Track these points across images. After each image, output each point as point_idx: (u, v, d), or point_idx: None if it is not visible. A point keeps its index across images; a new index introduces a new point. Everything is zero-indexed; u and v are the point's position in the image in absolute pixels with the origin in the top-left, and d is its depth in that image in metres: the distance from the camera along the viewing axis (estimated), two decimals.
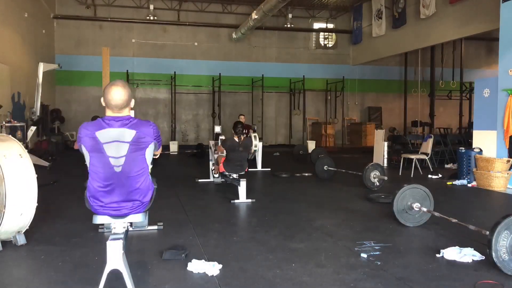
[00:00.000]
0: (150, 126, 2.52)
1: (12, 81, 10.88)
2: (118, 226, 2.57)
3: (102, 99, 2.51)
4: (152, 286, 2.87)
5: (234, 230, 4.45)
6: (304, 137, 17.17)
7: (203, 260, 3.24)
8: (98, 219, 2.54)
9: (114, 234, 2.55)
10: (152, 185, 2.63)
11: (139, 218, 2.58)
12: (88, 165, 2.49)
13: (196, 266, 3.13)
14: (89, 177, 2.49)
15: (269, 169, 9.49)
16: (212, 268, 3.09)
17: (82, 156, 2.54)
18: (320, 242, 3.94)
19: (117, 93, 2.44)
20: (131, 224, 2.67)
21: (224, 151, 6.49)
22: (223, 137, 7.25)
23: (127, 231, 2.64)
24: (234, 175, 6.27)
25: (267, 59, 17.67)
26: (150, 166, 2.67)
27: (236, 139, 6.32)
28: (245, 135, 6.70)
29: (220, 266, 3.16)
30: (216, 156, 7.08)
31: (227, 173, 6.32)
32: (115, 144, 2.42)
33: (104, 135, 2.41)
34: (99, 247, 3.53)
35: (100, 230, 4.11)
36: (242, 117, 10.85)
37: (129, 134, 2.43)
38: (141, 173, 2.51)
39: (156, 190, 2.69)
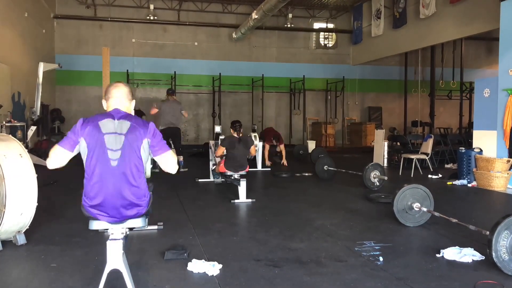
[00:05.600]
0: (146, 123, 2.57)
1: (12, 81, 10.88)
2: (116, 232, 2.50)
3: (103, 101, 2.61)
4: (152, 286, 2.87)
5: (234, 230, 4.45)
6: (304, 137, 17.16)
7: (203, 260, 3.24)
8: (95, 225, 2.48)
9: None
10: (147, 191, 2.57)
11: (138, 223, 2.54)
12: (84, 164, 2.47)
13: (196, 266, 3.13)
14: (85, 179, 2.47)
15: (269, 169, 9.49)
16: (212, 268, 3.09)
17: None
18: (320, 242, 3.94)
19: (118, 85, 2.62)
20: (130, 229, 2.61)
21: (224, 151, 6.37)
22: (222, 137, 7.19)
23: (126, 235, 2.59)
24: (236, 175, 6.17)
25: (267, 59, 17.66)
26: (148, 172, 2.64)
27: (235, 135, 6.27)
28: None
29: (220, 266, 3.16)
30: (217, 159, 7.01)
31: (228, 173, 6.25)
32: (114, 136, 2.45)
33: (106, 125, 2.46)
34: (99, 247, 3.53)
35: (100, 230, 4.11)
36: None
37: (125, 125, 2.48)
38: (135, 173, 2.48)
39: (151, 196, 2.65)
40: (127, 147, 2.45)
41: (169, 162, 2.56)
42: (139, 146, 2.48)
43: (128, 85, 2.67)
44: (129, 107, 2.62)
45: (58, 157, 2.46)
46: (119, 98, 2.57)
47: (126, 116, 2.53)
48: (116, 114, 2.51)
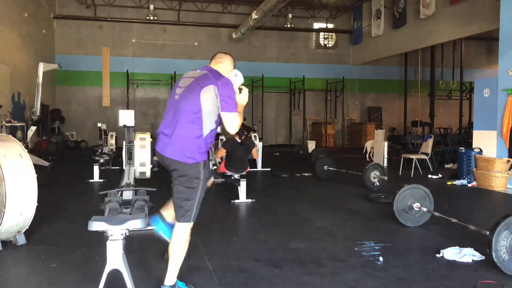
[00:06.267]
0: (222, 76, 2.64)
1: (12, 81, 10.88)
2: (116, 233, 2.49)
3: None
4: (152, 286, 2.86)
5: (234, 230, 4.45)
6: (304, 137, 17.16)
7: None
8: (94, 226, 2.45)
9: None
10: (201, 143, 2.58)
11: (137, 224, 2.53)
12: None
13: None
14: None
15: (269, 169, 9.49)
16: None
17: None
18: (320, 242, 3.94)
19: (227, 54, 2.82)
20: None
21: (224, 154, 6.41)
22: (223, 137, 7.26)
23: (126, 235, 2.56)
24: (236, 176, 6.24)
25: (267, 59, 17.66)
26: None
27: (237, 139, 6.27)
28: (245, 135, 6.60)
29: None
30: (217, 160, 7.05)
31: (228, 173, 6.29)
32: (187, 78, 2.67)
33: (189, 72, 2.74)
34: (99, 247, 3.52)
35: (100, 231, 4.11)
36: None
37: (201, 73, 2.65)
38: (190, 112, 2.53)
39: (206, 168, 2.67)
40: (190, 87, 2.59)
41: (233, 123, 2.57)
42: (201, 89, 2.54)
43: (231, 59, 2.81)
44: (221, 66, 2.73)
45: None
46: (216, 58, 2.76)
47: (209, 69, 2.67)
48: (203, 68, 2.70)
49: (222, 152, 6.35)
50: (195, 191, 2.60)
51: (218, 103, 2.55)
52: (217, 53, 2.83)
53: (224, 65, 2.74)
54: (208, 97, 2.54)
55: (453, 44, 15.33)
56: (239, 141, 6.25)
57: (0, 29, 10.34)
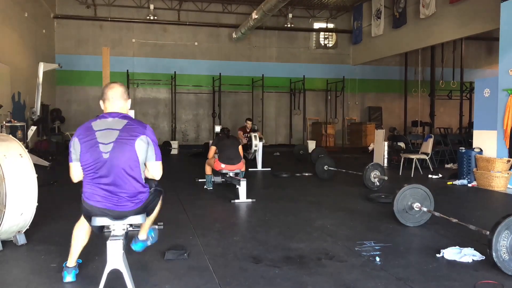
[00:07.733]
0: (144, 124, 2.65)
1: (12, 81, 10.87)
2: (118, 228, 2.57)
3: (100, 101, 2.69)
4: (152, 286, 2.86)
5: (234, 230, 4.45)
6: (304, 137, 17.16)
7: None
8: (97, 221, 2.53)
9: (114, 236, 2.56)
10: (147, 188, 2.64)
11: (138, 219, 2.60)
12: (80, 165, 2.55)
13: None
14: (84, 177, 2.57)
15: (269, 169, 9.49)
16: None
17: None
18: (320, 242, 3.94)
19: (113, 86, 2.69)
20: (131, 225, 2.69)
21: (215, 150, 6.67)
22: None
23: (127, 232, 2.64)
24: (231, 174, 6.36)
25: (267, 59, 17.66)
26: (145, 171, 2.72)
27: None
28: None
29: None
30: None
31: (223, 170, 6.41)
32: (107, 131, 2.52)
33: (98, 124, 2.55)
34: (99, 247, 3.53)
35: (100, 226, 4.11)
36: (249, 122, 10.92)
37: (120, 123, 2.56)
38: (129, 167, 2.52)
39: (156, 194, 2.77)
40: (120, 140, 2.51)
41: (160, 170, 2.75)
42: (135, 140, 2.53)
43: (123, 85, 2.74)
44: (123, 106, 2.70)
45: (75, 172, 2.61)
46: (114, 99, 2.65)
47: (122, 117, 2.62)
48: (111, 115, 2.61)
49: (213, 150, 6.68)
50: None
51: (149, 152, 2.59)
52: (109, 90, 2.67)
53: (127, 105, 2.73)
54: (142, 146, 2.55)
55: (453, 44, 15.33)
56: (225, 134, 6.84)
57: (0, 29, 10.34)
